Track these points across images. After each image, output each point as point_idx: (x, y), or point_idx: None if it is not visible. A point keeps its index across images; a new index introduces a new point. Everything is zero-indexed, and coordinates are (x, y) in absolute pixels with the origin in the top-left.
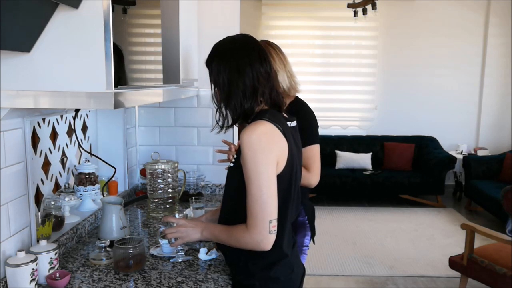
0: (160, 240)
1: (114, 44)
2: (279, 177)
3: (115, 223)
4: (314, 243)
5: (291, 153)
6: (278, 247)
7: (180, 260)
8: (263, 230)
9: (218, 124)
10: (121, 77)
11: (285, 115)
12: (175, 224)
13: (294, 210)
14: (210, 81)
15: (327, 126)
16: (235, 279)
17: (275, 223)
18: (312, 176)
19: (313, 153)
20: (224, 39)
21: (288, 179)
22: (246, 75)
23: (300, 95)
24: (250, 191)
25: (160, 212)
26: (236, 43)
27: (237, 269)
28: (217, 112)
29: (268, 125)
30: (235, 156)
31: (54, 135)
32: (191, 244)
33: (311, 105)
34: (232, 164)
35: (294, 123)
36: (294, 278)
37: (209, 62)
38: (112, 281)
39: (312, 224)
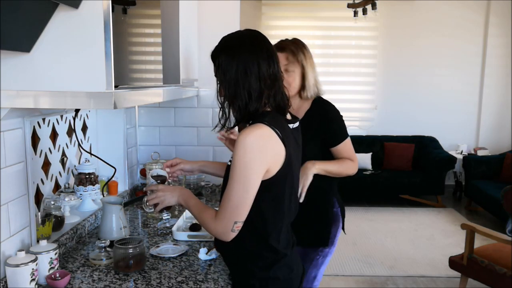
0: (146, 209)
1: None
2: (271, 181)
3: (115, 223)
4: (345, 232)
5: (289, 158)
6: (273, 247)
7: (168, 225)
8: (226, 227)
9: (220, 123)
10: None
11: (288, 116)
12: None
13: (292, 212)
14: (215, 76)
15: None
16: (234, 279)
17: (240, 224)
18: (355, 164)
19: (349, 145)
20: (232, 34)
21: (282, 183)
22: (253, 76)
23: None
24: (229, 189)
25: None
26: (245, 41)
27: (236, 269)
28: (220, 111)
29: (265, 130)
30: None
31: (54, 135)
32: (191, 245)
33: None
34: (229, 163)
35: (296, 124)
36: (293, 278)
37: (215, 56)
38: (112, 281)
39: (343, 215)
